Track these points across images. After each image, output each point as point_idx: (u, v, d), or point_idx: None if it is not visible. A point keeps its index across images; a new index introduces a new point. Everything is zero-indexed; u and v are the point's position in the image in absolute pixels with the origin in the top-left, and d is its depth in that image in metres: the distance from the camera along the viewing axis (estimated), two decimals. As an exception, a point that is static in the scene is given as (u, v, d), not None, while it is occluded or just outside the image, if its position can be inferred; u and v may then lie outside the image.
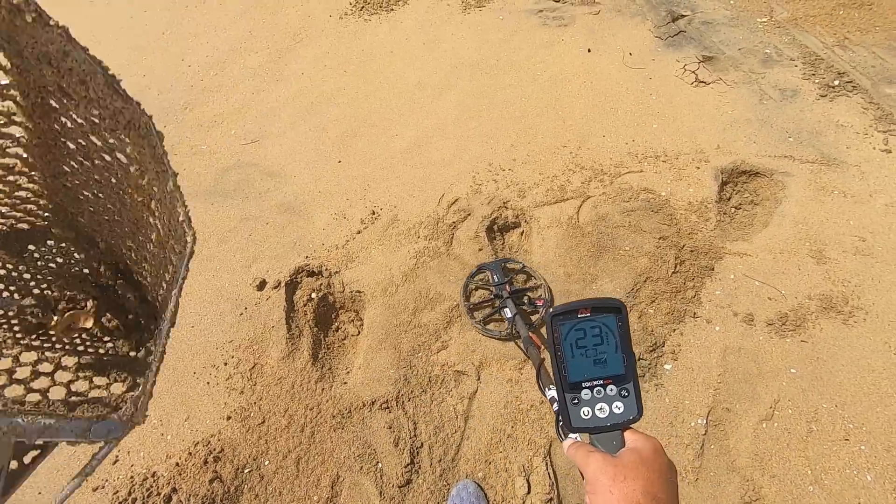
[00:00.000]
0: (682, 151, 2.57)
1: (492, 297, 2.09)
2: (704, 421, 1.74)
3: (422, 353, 1.95)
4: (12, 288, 0.88)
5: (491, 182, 2.51)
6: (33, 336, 0.84)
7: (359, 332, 2.09)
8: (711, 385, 1.82)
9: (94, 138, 0.62)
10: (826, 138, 2.57)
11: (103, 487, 1.67)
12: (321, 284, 2.16)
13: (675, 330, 1.97)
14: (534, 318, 2.04)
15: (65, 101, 0.57)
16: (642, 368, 1.88)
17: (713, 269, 2.13)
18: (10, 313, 0.85)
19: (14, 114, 0.61)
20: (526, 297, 2.09)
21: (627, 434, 0.63)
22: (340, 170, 2.65)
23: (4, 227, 0.85)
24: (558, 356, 0.66)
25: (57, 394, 0.72)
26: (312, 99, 3.08)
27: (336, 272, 2.20)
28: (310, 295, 2.13)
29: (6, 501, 0.54)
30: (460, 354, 1.94)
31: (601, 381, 0.65)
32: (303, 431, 1.77)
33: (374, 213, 2.41)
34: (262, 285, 2.16)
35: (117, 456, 1.74)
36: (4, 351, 0.79)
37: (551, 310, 0.66)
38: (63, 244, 0.90)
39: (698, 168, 2.48)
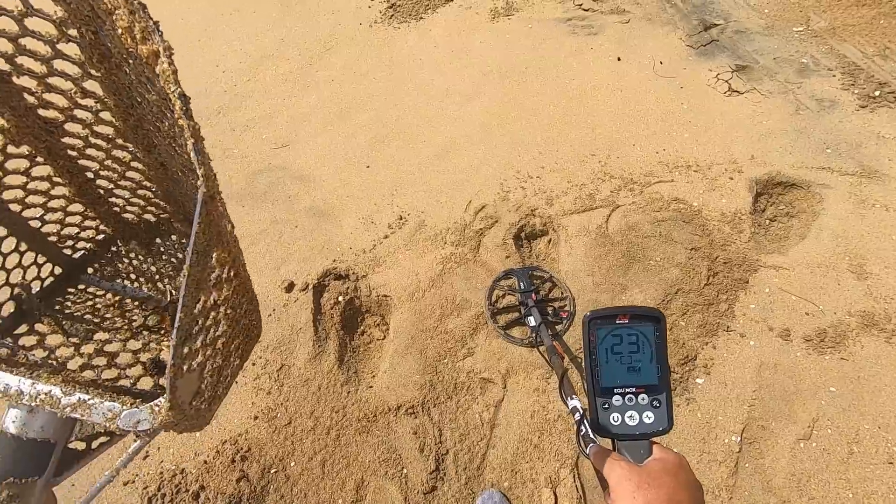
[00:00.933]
0: (715, 161, 2.52)
1: (517, 303, 2.08)
2: (739, 438, 1.69)
3: (448, 359, 1.94)
4: (142, 280, 0.91)
5: (518, 189, 2.50)
6: (150, 328, 0.86)
7: (385, 337, 2.09)
8: (746, 401, 1.77)
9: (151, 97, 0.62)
10: (867, 150, 2.49)
11: (133, 482, 1.70)
12: (348, 288, 2.18)
13: (707, 343, 1.93)
14: (557, 328, 2.02)
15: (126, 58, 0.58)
16: (674, 381, 1.84)
17: (747, 282, 2.08)
18: (135, 303, 0.88)
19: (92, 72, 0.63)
20: (551, 308, 2.07)
21: (655, 448, 0.62)
22: (369, 175, 2.67)
23: (134, 217, 0.89)
24: (592, 359, 0.65)
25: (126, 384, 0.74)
26: (342, 105, 3.12)
27: (363, 276, 2.21)
28: (337, 298, 2.14)
29: (62, 481, 0.55)
30: (486, 362, 1.93)
31: (634, 389, 0.64)
32: (328, 434, 1.78)
33: (401, 219, 2.42)
34: (290, 287, 2.18)
35: (148, 451, 1.77)
36: (117, 336, 0.81)
37: (589, 312, 0.65)
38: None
39: (731, 179, 2.43)
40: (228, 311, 0.57)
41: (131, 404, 0.51)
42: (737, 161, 2.51)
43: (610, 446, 0.66)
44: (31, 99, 0.67)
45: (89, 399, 0.51)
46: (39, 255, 0.83)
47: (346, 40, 3.68)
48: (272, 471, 1.70)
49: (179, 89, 0.40)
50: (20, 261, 0.79)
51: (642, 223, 2.29)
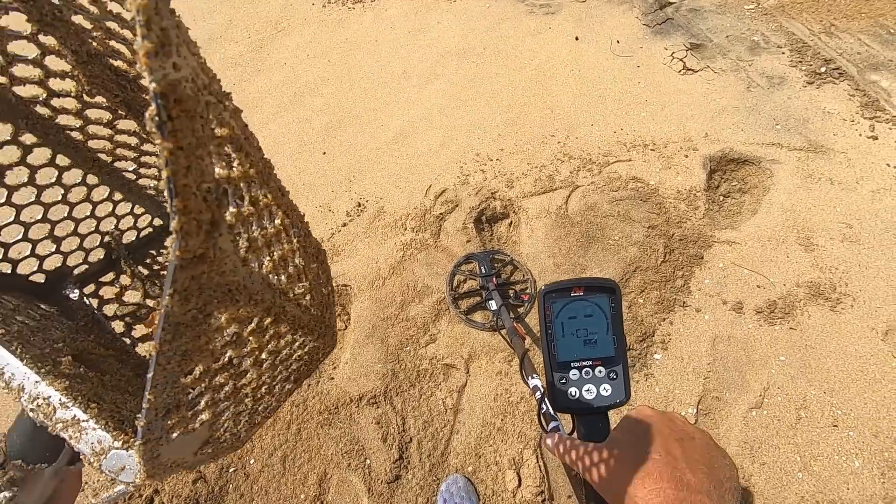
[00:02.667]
0: (671, 140, 2.55)
1: (478, 288, 2.07)
2: (695, 410, 1.74)
3: (410, 346, 1.92)
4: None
5: (478, 172, 2.47)
6: None
7: (346, 327, 2.05)
8: (701, 374, 1.82)
9: None
10: (813, 125, 2.56)
11: (83, 490, 1.62)
12: (306, 278, 2.11)
13: (664, 319, 1.96)
14: (519, 310, 2.02)
15: None
16: (632, 358, 1.87)
17: (702, 258, 2.12)
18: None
19: None
20: (512, 291, 2.07)
21: (632, 413, 0.60)
22: (325, 161, 2.59)
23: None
24: (549, 334, 0.64)
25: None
26: (295, 89, 3.01)
27: (321, 266, 2.15)
28: (295, 289, 2.08)
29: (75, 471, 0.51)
30: (449, 348, 1.91)
31: (590, 362, 0.63)
32: (289, 428, 1.74)
33: (359, 206, 2.36)
34: (245, 280, 2.10)
35: (97, 458, 1.69)
36: None
37: (544, 286, 0.64)
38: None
39: (687, 156, 2.46)
40: (265, 356, 0.44)
41: (124, 442, 0.43)
42: (691, 139, 2.54)
43: (570, 421, 0.65)
44: (94, 45, 0.59)
45: (84, 420, 0.44)
46: (136, 206, 0.79)
47: (299, 21, 3.53)
48: (230, 470, 1.65)
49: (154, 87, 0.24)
50: (114, 210, 0.77)
51: (601, 203, 2.30)
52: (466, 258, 2.13)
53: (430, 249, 2.18)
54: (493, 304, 1.96)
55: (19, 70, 0.59)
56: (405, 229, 2.25)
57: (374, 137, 2.69)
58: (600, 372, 0.63)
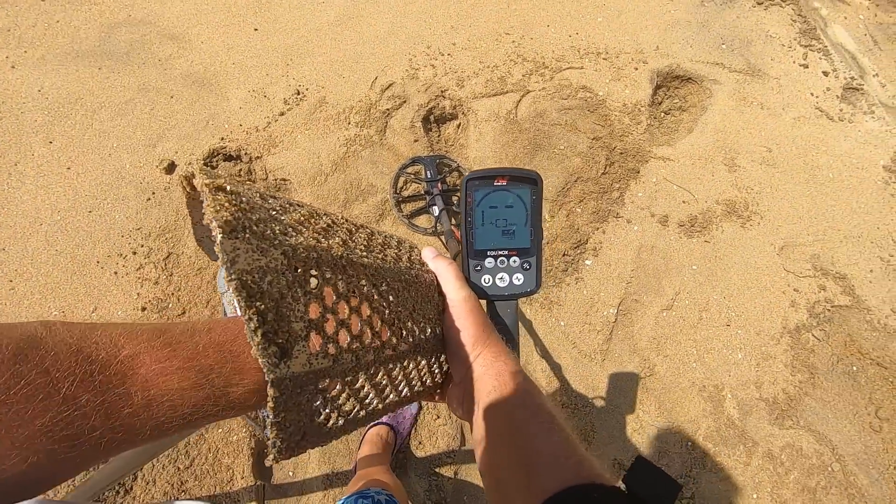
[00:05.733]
0: (623, 50, 2.52)
1: (423, 192, 2.05)
2: (615, 311, 1.92)
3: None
4: None
5: (428, 67, 2.33)
6: None
7: (285, 223, 1.98)
8: (625, 279, 1.99)
9: None
10: (755, 48, 2.63)
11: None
12: (241, 170, 1.98)
13: (598, 228, 2.08)
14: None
15: None
16: (566, 263, 1.99)
17: (638, 172, 2.22)
18: None
19: None
20: (456, 198, 2.07)
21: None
22: (258, 39, 2.31)
23: None
24: (468, 222, 0.64)
25: None
26: (218, -54, 2.57)
27: (257, 157, 2.01)
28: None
29: None
30: (393, 247, 1.92)
31: (506, 252, 0.64)
32: (228, 322, 1.72)
33: (298, 94, 2.18)
34: (171, 168, 1.93)
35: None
36: None
37: (467, 174, 0.63)
38: None
39: (636, 69, 2.47)
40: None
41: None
42: (643, 51, 2.53)
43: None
44: None
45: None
46: None
47: None
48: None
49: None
50: None
51: (550, 110, 2.28)
52: (413, 161, 2.08)
53: (376, 147, 2.09)
54: (436, 210, 1.97)
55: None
56: (349, 123, 2.13)
57: (314, 16, 2.42)
58: (514, 262, 0.64)
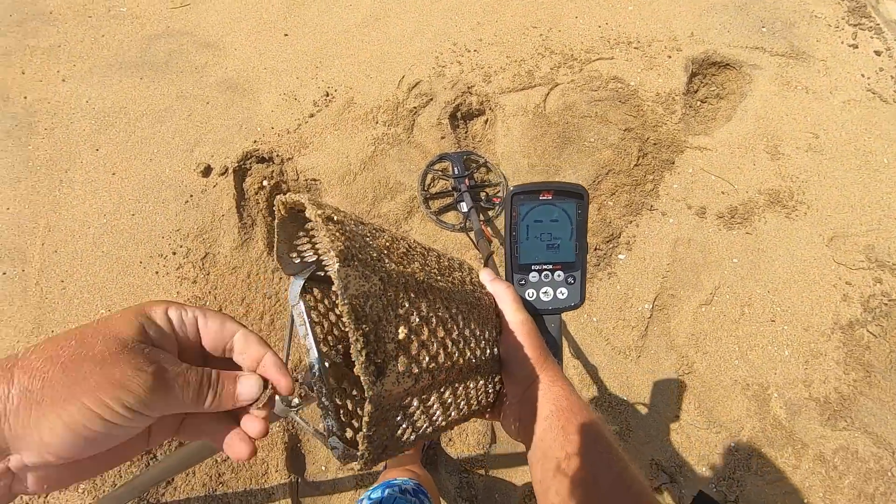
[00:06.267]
0: (656, 38, 2.44)
1: (450, 189, 2.04)
2: (650, 306, 1.86)
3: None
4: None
5: (455, 64, 2.32)
6: None
7: (316, 222, 2.01)
8: (660, 274, 1.92)
9: None
10: (799, 30, 2.50)
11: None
12: (273, 172, 2.03)
13: (631, 222, 2.02)
14: (489, 213, 2.03)
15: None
16: (598, 258, 1.94)
17: (673, 163, 2.15)
18: None
19: None
20: (484, 194, 2.06)
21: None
22: (288, 44, 2.37)
23: None
24: (512, 236, 0.64)
25: None
26: (250, -44, 2.65)
27: (288, 159, 2.06)
28: (261, 183, 2.00)
29: None
30: (421, 244, 1.92)
31: (550, 266, 0.65)
32: (262, 319, 1.76)
33: (327, 95, 2.21)
34: (207, 171, 2.00)
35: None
36: None
37: (513, 187, 0.63)
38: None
39: (670, 57, 2.38)
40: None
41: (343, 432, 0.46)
42: (677, 38, 2.44)
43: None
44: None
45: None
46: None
47: None
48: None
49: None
50: None
51: (580, 103, 2.24)
52: (440, 157, 2.08)
53: (403, 145, 2.10)
54: (463, 206, 1.96)
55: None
56: (376, 122, 2.15)
57: (341, 19, 2.46)
58: (559, 276, 0.65)
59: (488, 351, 0.52)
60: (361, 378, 0.32)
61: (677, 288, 1.90)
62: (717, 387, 1.74)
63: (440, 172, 2.05)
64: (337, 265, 0.32)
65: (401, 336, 0.37)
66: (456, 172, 2.03)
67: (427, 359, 0.40)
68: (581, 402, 0.51)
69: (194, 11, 2.45)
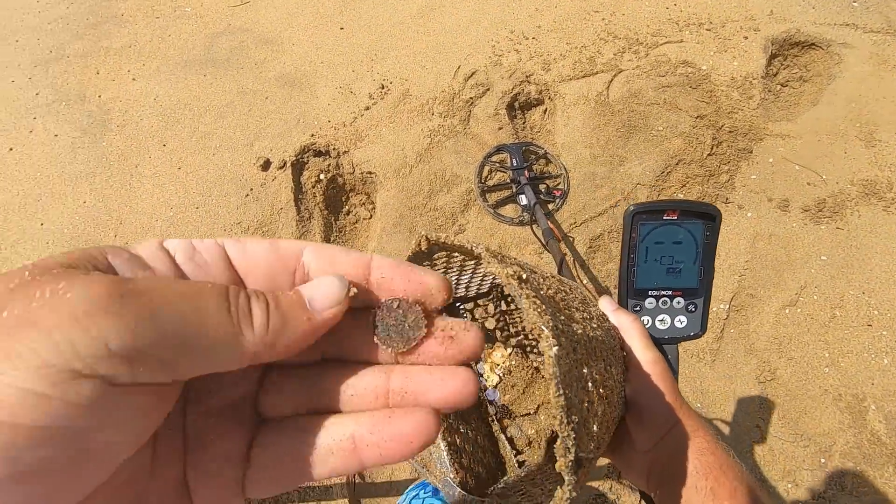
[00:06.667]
0: (730, 18, 2.27)
1: (509, 181, 1.97)
2: (727, 306, 1.72)
3: (438, 236, 1.87)
4: None
5: (512, 52, 2.25)
6: None
7: (371, 216, 2.00)
8: (737, 272, 1.77)
9: None
10: (897, 3, 2.25)
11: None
12: (329, 165, 2.02)
13: (704, 215, 1.88)
14: (549, 207, 1.94)
15: None
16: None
17: (751, 152, 1.98)
18: None
19: None
20: (544, 186, 1.97)
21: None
22: (344, 37, 2.36)
23: None
24: (630, 259, 0.59)
25: None
26: (307, -48, 2.67)
27: (345, 152, 2.05)
28: (318, 176, 2.00)
29: None
30: (478, 238, 1.87)
31: (670, 293, 0.59)
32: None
33: (383, 87, 2.19)
34: (266, 165, 2.02)
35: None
36: None
37: (633, 206, 0.58)
38: None
39: (746, 38, 2.20)
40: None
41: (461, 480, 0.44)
42: (754, 17, 2.25)
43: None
44: None
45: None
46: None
47: None
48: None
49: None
50: None
51: (646, 89, 2.10)
52: (497, 149, 2.01)
53: (459, 136, 2.05)
54: (523, 199, 1.89)
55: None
56: (432, 114, 2.10)
57: (396, 10, 2.43)
58: (678, 303, 0.59)
59: (620, 394, 0.46)
60: (564, 475, 0.26)
61: (757, 287, 1.75)
62: (804, 396, 1.59)
63: (498, 164, 1.99)
64: (554, 349, 0.26)
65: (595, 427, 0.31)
66: (514, 164, 1.95)
67: (596, 427, 0.34)
68: (731, 458, 0.45)
69: (253, 8, 2.49)
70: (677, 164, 1.96)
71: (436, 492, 0.92)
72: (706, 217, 0.57)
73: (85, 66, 2.29)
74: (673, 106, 2.06)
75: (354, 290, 0.23)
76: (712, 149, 1.97)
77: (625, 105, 2.08)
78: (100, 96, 2.19)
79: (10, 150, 2.04)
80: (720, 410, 1.58)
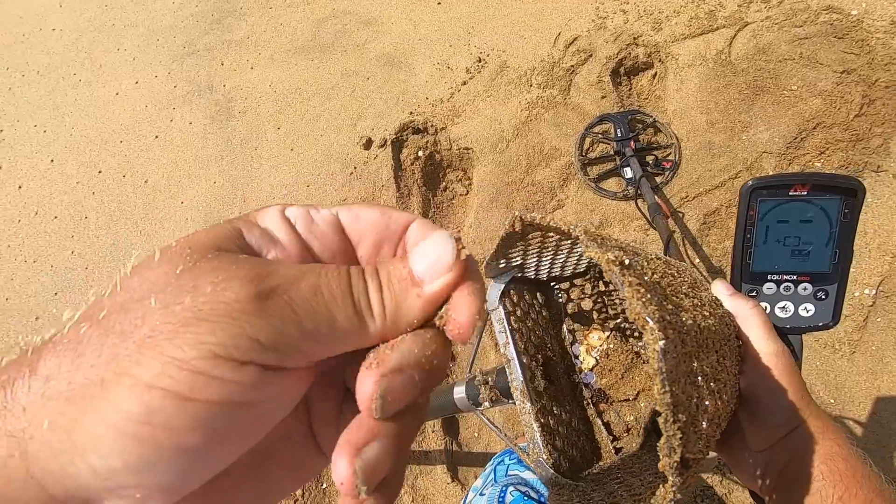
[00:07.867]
0: (893, -51, 1.90)
1: (612, 153, 1.86)
2: (874, 291, 1.49)
3: (536, 211, 1.82)
4: None
5: (618, 13, 2.09)
6: None
7: (468, 192, 2.01)
8: (889, 251, 1.53)
9: None
10: None
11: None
12: (427, 142, 2.06)
13: (847, 187, 1.63)
14: (657, 179, 1.80)
15: None
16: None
17: (914, 111, 1.67)
18: None
19: None
20: (652, 157, 1.83)
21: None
22: (441, 11, 2.36)
23: None
24: (746, 238, 0.53)
25: None
26: (405, -72, 2.68)
27: (442, 128, 2.07)
28: (416, 153, 2.04)
29: None
30: (578, 214, 1.80)
31: (794, 277, 0.52)
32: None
33: (480, 61, 2.16)
34: (368, 144, 2.11)
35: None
36: None
37: (751, 180, 0.52)
38: None
39: (914, -28, 1.83)
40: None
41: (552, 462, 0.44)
42: (926, -55, 1.86)
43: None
44: None
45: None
46: None
47: None
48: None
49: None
50: None
51: (777, 44, 1.85)
52: (600, 119, 1.90)
53: (559, 108, 1.97)
54: (628, 172, 1.77)
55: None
56: (530, 85, 2.04)
57: (494, -21, 2.36)
58: (805, 289, 0.52)
59: (734, 387, 0.42)
60: (668, 476, 0.25)
61: (914, 270, 1.50)
62: (973, 400, 1.35)
63: (600, 135, 1.88)
64: (661, 343, 0.24)
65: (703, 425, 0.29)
66: (619, 135, 1.84)
67: (706, 424, 0.31)
68: (868, 467, 0.40)
69: (355, -9, 2.57)
70: (815, 127, 1.71)
71: (521, 460, 0.94)
72: (845, 192, 0.50)
73: (212, 59, 2.53)
74: (811, 61, 1.79)
75: (466, 252, 0.22)
76: (861, 108, 1.69)
77: (750, 63, 1.85)
78: (224, 85, 2.42)
79: (156, 137, 2.34)
80: (859, 409, 1.40)
